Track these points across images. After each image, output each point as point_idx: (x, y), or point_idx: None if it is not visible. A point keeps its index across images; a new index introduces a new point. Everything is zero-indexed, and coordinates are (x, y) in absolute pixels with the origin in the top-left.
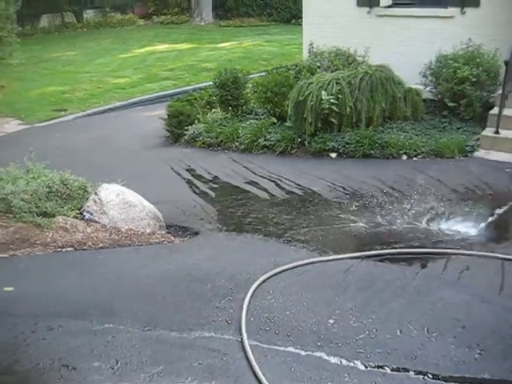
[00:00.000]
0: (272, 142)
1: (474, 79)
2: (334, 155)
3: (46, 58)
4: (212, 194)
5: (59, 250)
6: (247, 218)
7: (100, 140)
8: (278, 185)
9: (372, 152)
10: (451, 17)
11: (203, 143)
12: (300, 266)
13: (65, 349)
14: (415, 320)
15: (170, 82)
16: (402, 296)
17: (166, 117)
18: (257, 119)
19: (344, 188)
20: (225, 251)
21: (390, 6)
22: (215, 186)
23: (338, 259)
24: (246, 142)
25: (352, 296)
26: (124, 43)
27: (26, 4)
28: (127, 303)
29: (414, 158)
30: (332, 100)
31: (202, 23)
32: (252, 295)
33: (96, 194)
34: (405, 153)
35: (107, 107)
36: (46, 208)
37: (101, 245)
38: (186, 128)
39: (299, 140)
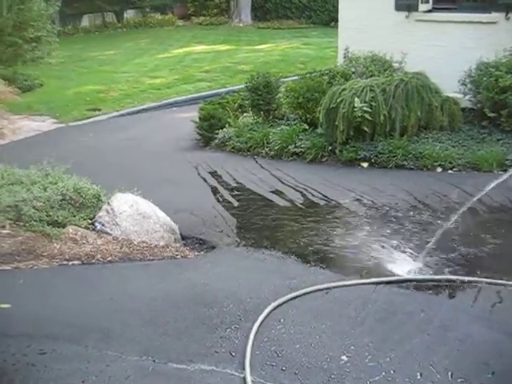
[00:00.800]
0: (302, 150)
1: None
2: (365, 165)
3: (85, 58)
4: (235, 203)
5: (65, 263)
6: (267, 232)
7: (131, 141)
8: (303, 195)
9: (405, 163)
10: (494, 22)
11: (233, 148)
12: (315, 291)
13: (53, 376)
14: (438, 361)
15: (205, 83)
16: (425, 331)
17: (198, 119)
18: (288, 125)
19: (373, 202)
20: (239, 270)
21: (429, 11)
22: (239, 194)
23: (358, 284)
24: (276, 148)
25: (370, 329)
26: (162, 43)
27: (68, 4)
28: (127, 327)
29: (450, 171)
30: (365, 108)
31: (241, 25)
32: (260, 324)
33: (109, 203)
34: (439, 165)
35: (141, 108)
36: (57, 217)
37: (110, 258)
38: (216, 132)
39: (330, 148)
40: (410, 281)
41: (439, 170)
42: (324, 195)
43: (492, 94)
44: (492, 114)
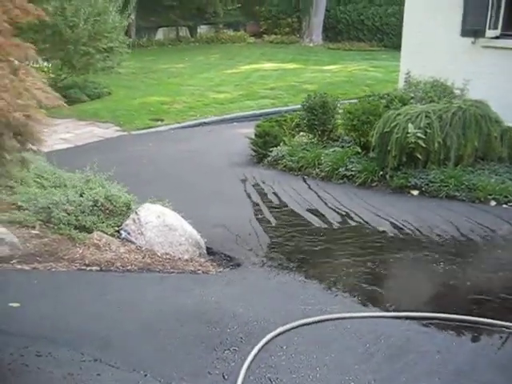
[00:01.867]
0: (353, 173)
1: None
2: (415, 193)
3: (155, 69)
4: (273, 221)
5: (83, 268)
6: (297, 254)
7: (187, 153)
8: (343, 220)
9: (457, 194)
10: None
11: (285, 166)
12: (326, 320)
13: (43, 379)
14: None
15: (269, 100)
16: (436, 375)
17: (254, 136)
18: (342, 147)
19: (413, 231)
20: (256, 291)
21: (497, 37)
22: (280, 213)
23: (374, 317)
24: (327, 169)
25: (376, 366)
26: (231, 59)
27: (144, 17)
28: (126, 338)
29: (504, 206)
30: (419, 134)
31: (311, 44)
32: (260, 349)
33: (136, 213)
34: (493, 198)
35: (202, 121)
36: (85, 222)
37: (129, 267)
38: (270, 149)
39: (381, 173)
40: (433, 318)
41: (493, 203)
42: (365, 220)
43: None
44: None
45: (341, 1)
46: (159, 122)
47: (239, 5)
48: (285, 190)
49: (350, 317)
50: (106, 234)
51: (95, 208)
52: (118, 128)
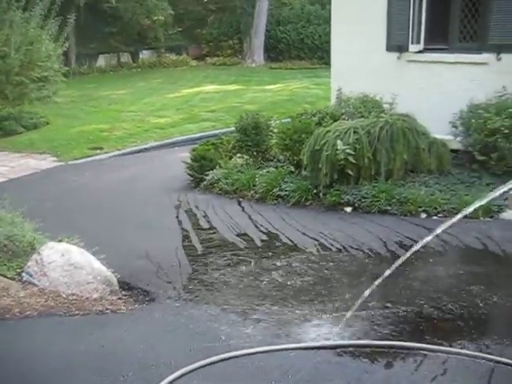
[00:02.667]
0: (286, 193)
1: (506, 131)
2: (348, 209)
3: (96, 96)
4: (199, 249)
5: None
6: (217, 284)
7: (124, 181)
8: (270, 243)
9: (389, 208)
10: (485, 63)
11: (220, 190)
12: (231, 358)
13: None
14: None
15: (210, 123)
16: None
17: (190, 160)
18: (277, 167)
19: (339, 250)
20: (162, 330)
21: (420, 52)
22: (208, 239)
23: (284, 350)
24: (261, 191)
25: None
26: (173, 83)
27: (84, 44)
28: None
29: (434, 217)
30: (348, 150)
31: (254, 65)
32: None
33: (39, 253)
34: (424, 210)
35: (143, 147)
36: None
37: (28, 313)
38: (206, 173)
39: (315, 191)
40: (346, 346)
41: (423, 215)
42: (293, 242)
43: (481, 137)
44: (482, 158)
45: (280, 21)
46: (98, 151)
47: (180, 29)
48: (218, 214)
49: (256, 352)
50: (6, 277)
51: None
52: (54, 158)
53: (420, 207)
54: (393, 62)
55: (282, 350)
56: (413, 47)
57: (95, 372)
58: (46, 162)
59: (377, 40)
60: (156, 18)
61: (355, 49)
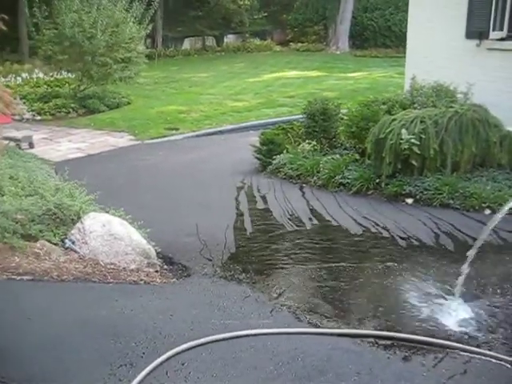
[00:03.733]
0: (349, 180)
1: None
2: (410, 201)
3: (178, 78)
4: (249, 230)
5: (14, 277)
6: (255, 265)
7: (194, 161)
8: (320, 228)
9: (451, 202)
10: None
11: (285, 174)
12: (243, 336)
13: None
14: None
15: (287, 108)
16: None
17: (258, 144)
18: (342, 154)
19: (390, 238)
20: (185, 304)
21: (503, 39)
22: (260, 222)
23: (299, 334)
24: (324, 177)
25: None
26: (256, 68)
27: (171, 28)
28: (25, 351)
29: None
30: (413, 140)
31: (338, 52)
32: (157, 366)
33: (81, 222)
34: (488, 206)
35: (217, 129)
36: (32, 231)
37: (65, 277)
38: (273, 157)
39: (377, 181)
40: (366, 336)
41: (487, 212)
42: (341, 229)
43: None
44: None
45: (367, 8)
46: (174, 131)
47: (265, 14)
48: (277, 198)
49: (269, 333)
50: (51, 242)
51: (45, 216)
52: (132, 137)
53: (484, 203)
54: (471, 49)
55: (295, 333)
56: (494, 34)
57: (108, 336)
58: (124, 140)
59: (455, 26)
60: (242, 2)
61: (431, 35)
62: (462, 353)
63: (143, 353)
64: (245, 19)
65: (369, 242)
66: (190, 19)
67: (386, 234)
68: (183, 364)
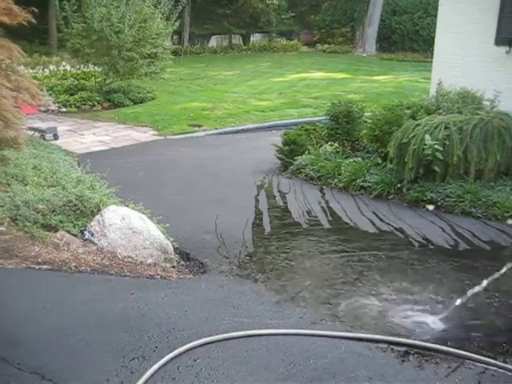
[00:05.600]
0: (370, 184)
1: None
2: (431, 207)
3: (203, 76)
4: (267, 230)
5: (33, 266)
6: (271, 265)
7: (215, 159)
8: (337, 230)
9: (473, 210)
10: None
11: (306, 176)
12: (256, 335)
13: None
14: None
15: (310, 109)
16: None
17: (281, 144)
18: (364, 158)
19: (405, 244)
20: (200, 300)
21: None
22: (279, 222)
23: (312, 335)
24: (345, 180)
25: None
26: (281, 68)
27: (198, 25)
28: (39, 339)
29: None
30: (436, 146)
31: (364, 54)
32: (169, 361)
33: (101, 214)
34: (511, 216)
35: (240, 128)
36: (52, 221)
37: (82, 268)
38: (295, 158)
39: (399, 186)
40: (381, 341)
41: (510, 222)
42: (358, 232)
43: None
44: None
45: (396, 11)
46: (197, 128)
47: (293, 14)
48: (297, 198)
49: (282, 333)
50: (71, 233)
51: (66, 207)
52: (154, 132)
53: (507, 212)
54: (500, 56)
55: (312, 335)
56: None
57: (122, 328)
58: (147, 135)
59: (485, 32)
60: (270, 1)
61: (460, 40)
62: (476, 363)
63: (156, 347)
64: (272, 19)
65: (387, 245)
66: (217, 17)
67: (403, 237)
68: (195, 360)
